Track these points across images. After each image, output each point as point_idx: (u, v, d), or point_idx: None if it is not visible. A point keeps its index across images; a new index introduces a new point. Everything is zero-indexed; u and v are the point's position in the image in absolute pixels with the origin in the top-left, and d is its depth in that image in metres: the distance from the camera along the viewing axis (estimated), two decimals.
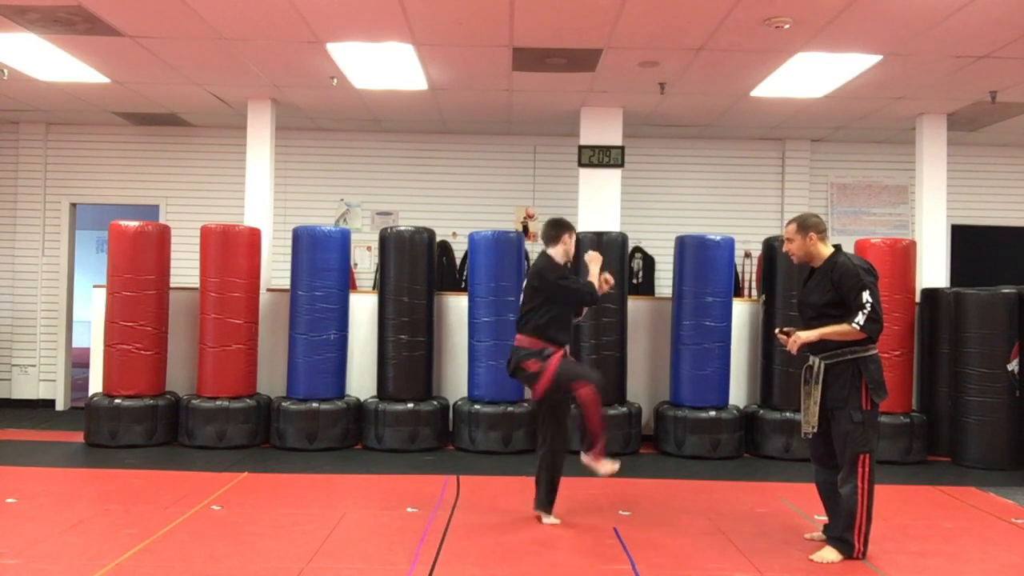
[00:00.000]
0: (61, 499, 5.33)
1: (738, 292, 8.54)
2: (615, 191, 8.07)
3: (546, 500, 5.00)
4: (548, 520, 4.95)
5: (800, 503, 5.47)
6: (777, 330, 4.61)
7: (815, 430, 4.37)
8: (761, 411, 7.18)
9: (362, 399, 7.39)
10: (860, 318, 4.22)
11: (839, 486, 4.37)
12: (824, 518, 5.04)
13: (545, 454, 5.00)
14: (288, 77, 7.27)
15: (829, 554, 4.34)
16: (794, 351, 4.37)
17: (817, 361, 4.37)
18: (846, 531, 4.33)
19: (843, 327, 4.25)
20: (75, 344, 9.65)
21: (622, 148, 8.11)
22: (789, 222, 4.66)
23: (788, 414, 6.95)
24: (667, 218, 9.30)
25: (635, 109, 8.13)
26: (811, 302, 4.44)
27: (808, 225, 4.52)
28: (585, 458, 4.89)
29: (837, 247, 4.54)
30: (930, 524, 5.14)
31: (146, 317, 7.12)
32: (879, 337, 4.35)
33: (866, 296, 4.25)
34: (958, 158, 8.79)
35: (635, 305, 7.69)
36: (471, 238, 7.37)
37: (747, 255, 9.11)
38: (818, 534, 4.65)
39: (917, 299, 7.51)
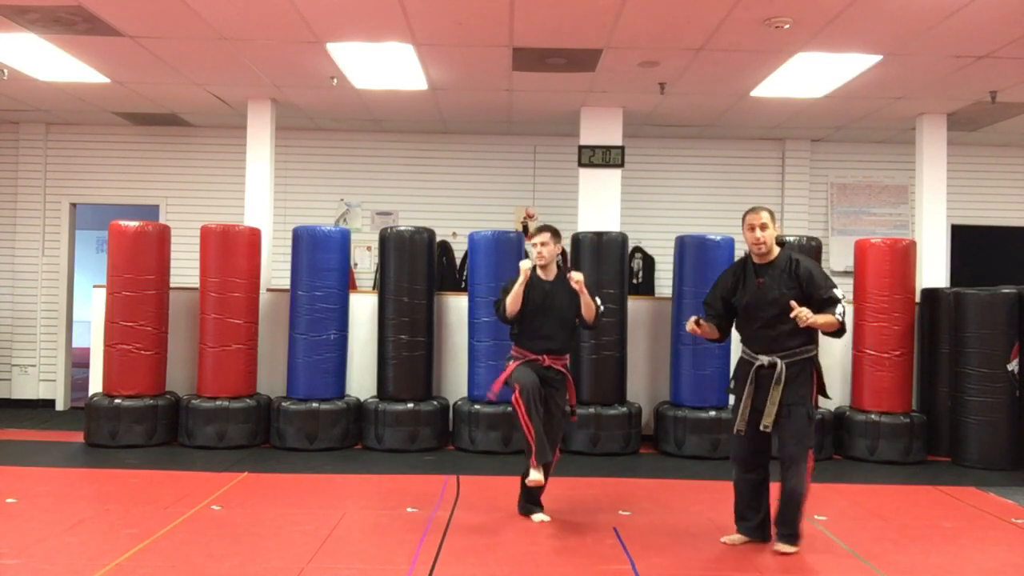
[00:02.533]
0: (61, 499, 5.33)
1: None
2: (615, 191, 8.07)
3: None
4: (538, 517, 4.99)
5: None
6: (693, 320, 4.54)
7: (768, 429, 4.36)
8: None
9: (362, 399, 7.39)
10: (840, 309, 4.30)
11: (786, 480, 4.38)
12: (823, 517, 5.06)
13: None
14: (288, 77, 7.27)
15: (787, 548, 4.39)
16: (806, 324, 4.24)
17: (779, 362, 4.35)
18: (795, 524, 4.40)
19: (832, 318, 4.29)
20: (75, 344, 9.64)
21: (622, 148, 8.10)
22: (759, 208, 4.52)
23: None
24: (667, 218, 9.29)
25: (635, 109, 8.13)
26: (772, 299, 4.38)
27: (775, 217, 4.54)
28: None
29: (780, 243, 4.55)
30: (930, 524, 5.14)
31: (146, 317, 7.12)
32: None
33: (839, 292, 4.35)
34: (958, 158, 8.78)
35: (635, 305, 7.69)
36: (471, 238, 7.38)
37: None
38: (738, 537, 4.60)
39: (917, 299, 7.51)
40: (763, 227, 4.45)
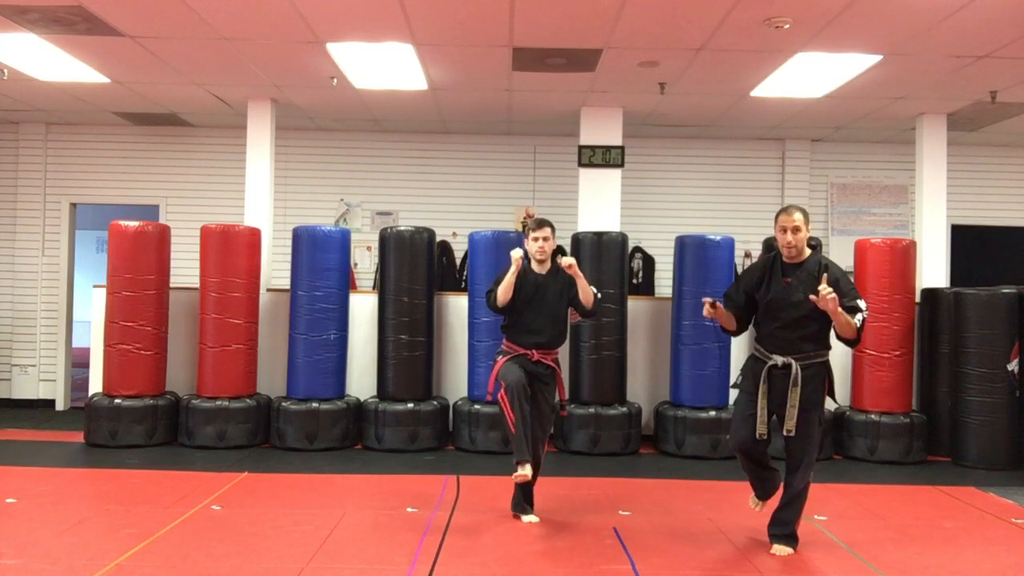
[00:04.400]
0: (61, 499, 5.33)
1: None
2: (615, 191, 8.07)
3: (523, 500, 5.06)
4: (527, 518, 4.96)
5: None
6: (709, 303, 4.43)
7: (792, 434, 4.34)
8: None
9: (362, 399, 7.39)
10: (860, 318, 4.24)
11: (791, 483, 4.42)
12: (823, 517, 5.07)
13: None
14: (288, 77, 7.27)
15: (786, 549, 4.42)
16: (831, 308, 4.16)
17: (793, 363, 4.33)
18: (794, 525, 4.46)
19: (851, 320, 4.23)
20: (75, 344, 9.64)
21: (622, 148, 8.10)
22: (792, 209, 4.40)
23: None
24: (667, 218, 9.30)
25: (635, 109, 8.13)
26: (796, 300, 4.33)
27: (808, 217, 4.45)
28: None
29: (812, 245, 4.51)
30: (930, 524, 5.15)
31: (146, 317, 7.12)
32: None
33: (863, 304, 4.29)
34: (958, 158, 8.79)
35: (635, 305, 7.69)
36: (471, 238, 7.38)
37: (747, 255, 9.11)
38: (759, 504, 4.68)
39: (917, 299, 7.51)
40: (795, 230, 4.33)
